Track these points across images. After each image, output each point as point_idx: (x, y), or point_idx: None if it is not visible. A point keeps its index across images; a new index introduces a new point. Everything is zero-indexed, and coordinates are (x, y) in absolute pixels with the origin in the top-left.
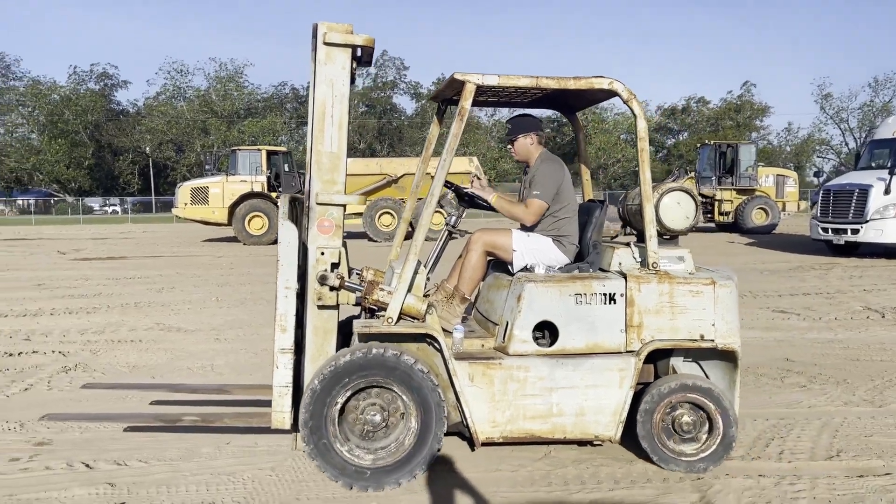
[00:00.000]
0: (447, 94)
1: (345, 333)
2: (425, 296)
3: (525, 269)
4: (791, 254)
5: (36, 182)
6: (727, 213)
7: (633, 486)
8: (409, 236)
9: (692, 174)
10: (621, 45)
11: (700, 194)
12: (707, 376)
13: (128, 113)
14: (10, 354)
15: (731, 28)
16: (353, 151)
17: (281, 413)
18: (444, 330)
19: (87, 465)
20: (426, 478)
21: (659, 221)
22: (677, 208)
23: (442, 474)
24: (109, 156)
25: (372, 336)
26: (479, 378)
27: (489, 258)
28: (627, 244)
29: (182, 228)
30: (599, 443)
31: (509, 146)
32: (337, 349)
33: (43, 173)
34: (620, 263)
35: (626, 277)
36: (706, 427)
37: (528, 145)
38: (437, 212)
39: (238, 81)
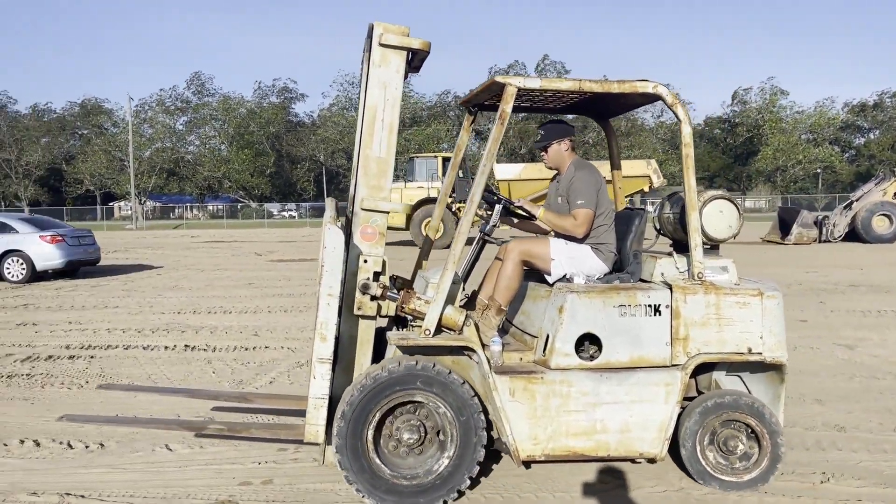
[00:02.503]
0: (482, 99)
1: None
2: (461, 307)
3: (563, 278)
4: None
5: (224, 189)
6: None
7: None
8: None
9: None
10: (799, 39)
11: None
12: (749, 390)
13: (304, 124)
14: (246, 349)
15: None
16: (514, 156)
17: (315, 426)
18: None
19: None
20: None
21: (701, 231)
22: (720, 217)
23: None
24: (288, 164)
25: (409, 348)
26: (520, 393)
27: (525, 267)
28: (669, 254)
29: None
30: (641, 461)
31: (542, 153)
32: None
33: (231, 181)
34: (663, 274)
35: (671, 288)
36: (754, 445)
37: (561, 151)
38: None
39: (404, 91)
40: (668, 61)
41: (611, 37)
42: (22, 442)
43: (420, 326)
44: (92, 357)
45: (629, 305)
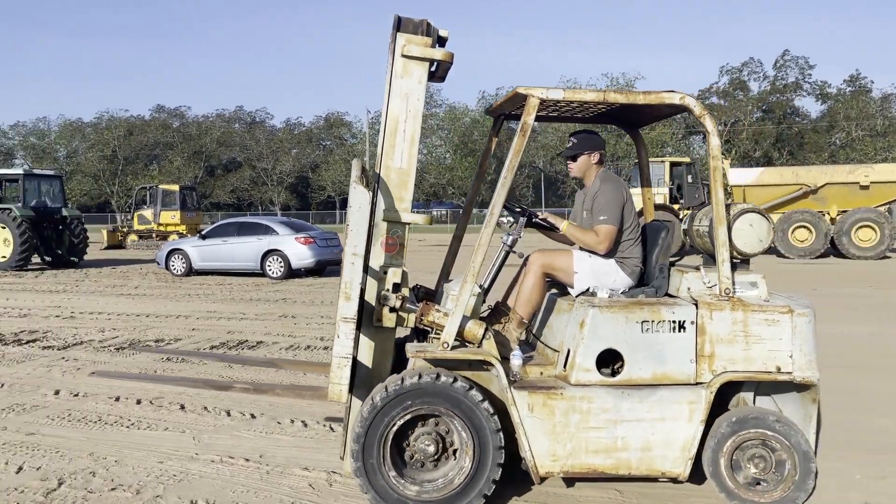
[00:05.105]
0: (507, 109)
1: (398, 352)
2: (482, 319)
3: (586, 292)
4: None
5: (448, 195)
6: None
7: None
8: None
9: None
10: None
11: None
12: (780, 410)
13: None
14: None
15: None
16: (746, 160)
17: (338, 385)
18: (501, 355)
19: None
20: None
21: (731, 244)
22: (750, 231)
23: None
24: None
25: (427, 361)
26: (539, 408)
27: (547, 280)
28: (697, 268)
29: None
30: (665, 480)
31: (569, 161)
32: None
33: (454, 187)
34: (689, 289)
35: (696, 304)
36: (783, 465)
37: (590, 163)
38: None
39: None
40: None
41: (861, 28)
42: (292, 422)
43: (440, 338)
44: None
45: (653, 321)
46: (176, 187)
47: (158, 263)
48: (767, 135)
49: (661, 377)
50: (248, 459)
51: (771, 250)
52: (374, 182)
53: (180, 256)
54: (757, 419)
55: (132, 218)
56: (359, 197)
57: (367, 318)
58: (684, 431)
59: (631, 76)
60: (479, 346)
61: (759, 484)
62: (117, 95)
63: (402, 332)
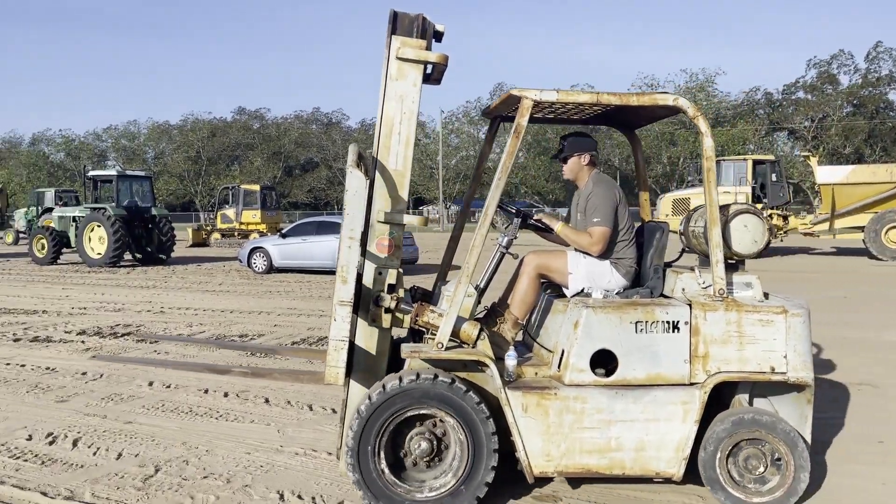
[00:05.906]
0: (502, 111)
1: (395, 351)
2: (476, 319)
3: (581, 292)
4: None
5: (521, 195)
6: None
7: None
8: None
9: None
10: None
11: None
12: (776, 411)
13: (600, 128)
14: None
15: None
16: (836, 158)
17: (335, 368)
18: (496, 356)
19: None
20: None
21: (725, 245)
22: (744, 231)
23: None
24: None
25: (422, 361)
26: (532, 408)
27: (542, 281)
28: (692, 268)
29: None
30: (660, 480)
31: (561, 163)
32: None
33: (527, 186)
34: (684, 289)
35: (690, 305)
36: (776, 466)
37: (581, 165)
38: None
39: (708, 91)
40: None
41: None
42: None
43: (435, 339)
44: None
45: (646, 322)
46: (257, 187)
47: (241, 261)
48: (859, 130)
49: (655, 377)
50: (330, 453)
51: (862, 251)
52: (371, 167)
53: (261, 254)
54: (751, 420)
55: (215, 217)
56: (355, 181)
57: (364, 301)
58: (678, 432)
59: (711, 72)
60: (473, 347)
61: (752, 484)
62: (201, 98)
63: (401, 332)
